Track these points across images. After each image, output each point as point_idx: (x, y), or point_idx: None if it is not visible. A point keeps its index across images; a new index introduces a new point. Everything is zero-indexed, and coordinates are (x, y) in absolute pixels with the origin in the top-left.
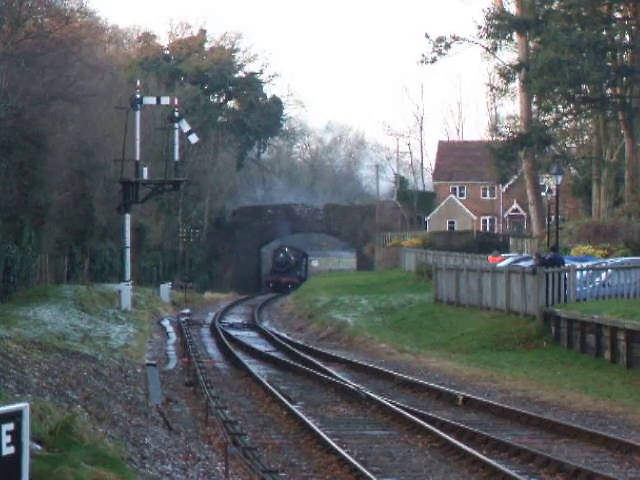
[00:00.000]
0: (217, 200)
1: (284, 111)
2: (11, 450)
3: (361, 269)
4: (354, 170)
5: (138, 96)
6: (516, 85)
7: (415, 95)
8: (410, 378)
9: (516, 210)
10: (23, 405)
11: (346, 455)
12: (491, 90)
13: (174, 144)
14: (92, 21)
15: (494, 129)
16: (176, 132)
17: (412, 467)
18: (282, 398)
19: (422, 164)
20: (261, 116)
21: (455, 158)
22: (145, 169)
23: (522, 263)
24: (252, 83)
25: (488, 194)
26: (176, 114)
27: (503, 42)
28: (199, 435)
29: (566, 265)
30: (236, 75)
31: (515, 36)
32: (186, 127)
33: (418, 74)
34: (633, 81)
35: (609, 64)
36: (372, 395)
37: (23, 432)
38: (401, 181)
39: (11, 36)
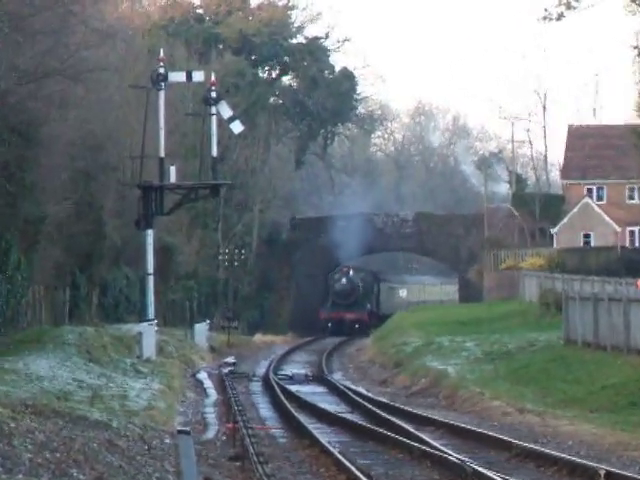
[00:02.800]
0: (270, 210)
1: (358, 89)
2: None
3: (465, 300)
4: (454, 167)
5: (162, 71)
6: None
7: (536, 65)
8: (533, 447)
9: None
10: None
11: None
12: (639, 55)
13: (211, 135)
14: None
15: None
16: (213, 119)
17: None
18: (361, 476)
19: (546, 157)
20: (328, 96)
21: (591, 148)
22: (172, 169)
23: None
24: (315, 52)
25: (637, 197)
26: (213, 94)
27: None
28: None
29: None
30: (293, 41)
31: None
32: (227, 112)
33: (539, 36)
34: None
35: None
36: (482, 470)
37: None
38: (518, 180)
39: None
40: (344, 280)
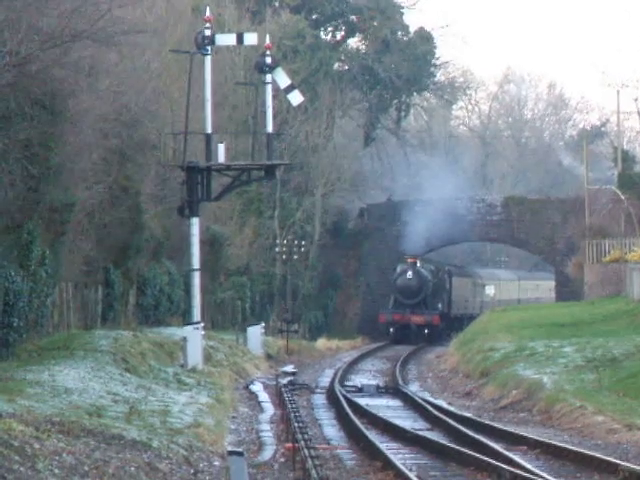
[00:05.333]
0: (334, 194)
1: (437, 53)
2: None
3: (563, 298)
4: (549, 143)
5: (208, 33)
6: None
7: None
8: None
9: None
10: None
11: None
12: None
13: (265, 108)
14: None
15: None
16: (268, 89)
17: None
18: None
19: None
20: (401, 61)
21: None
22: (221, 147)
23: None
24: (386, 9)
25: None
26: (268, 60)
27: None
28: None
29: None
30: None
31: None
32: (284, 80)
33: None
34: None
35: None
36: None
37: None
38: (625, 158)
39: None
40: (410, 274)
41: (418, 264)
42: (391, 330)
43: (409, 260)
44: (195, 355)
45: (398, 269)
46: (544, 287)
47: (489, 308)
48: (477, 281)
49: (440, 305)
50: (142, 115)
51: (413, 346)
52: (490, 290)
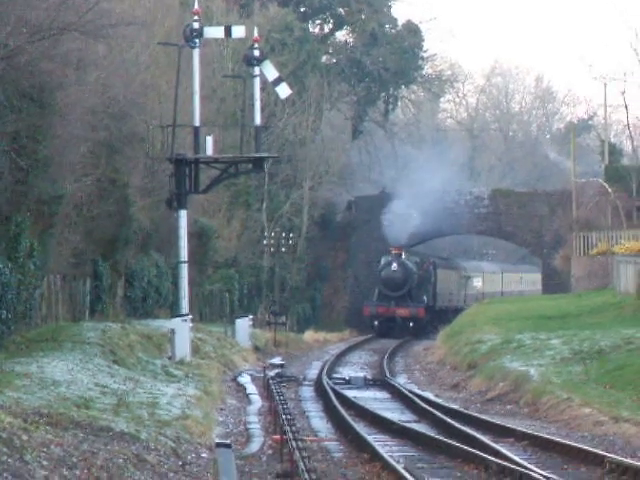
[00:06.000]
0: (322, 186)
1: (424, 45)
2: None
3: (549, 290)
4: (537, 136)
5: (196, 26)
6: None
7: (631, 15)
8: (631, 462)
9: None
10: None
11: None
12: None
13: (254, 100)
14: None
15: None
16: (256, 81)
17: None
18: None
19: None
20: (389, 54)
21: None
22: (209, 140)
23: None
24: (374, 2)
25: None
26: (256, 53)
27: None
28: None
29: None
30: None
31: None
32: (272, 73)
33: None
34: None
35: None
36: None
37: None
38: (612, 151)
39: None
40: (394, 265)
41: (403, 256)
42: (375, 323)
43: (394, 251)
44: (183, 347)
45: (383, 261)
46: (528, 280)
47: (474, 300)
48: (462, 273)
49: (425, 297)
50: (130, 108)
51: (399, 339)
52: (474, 282)
